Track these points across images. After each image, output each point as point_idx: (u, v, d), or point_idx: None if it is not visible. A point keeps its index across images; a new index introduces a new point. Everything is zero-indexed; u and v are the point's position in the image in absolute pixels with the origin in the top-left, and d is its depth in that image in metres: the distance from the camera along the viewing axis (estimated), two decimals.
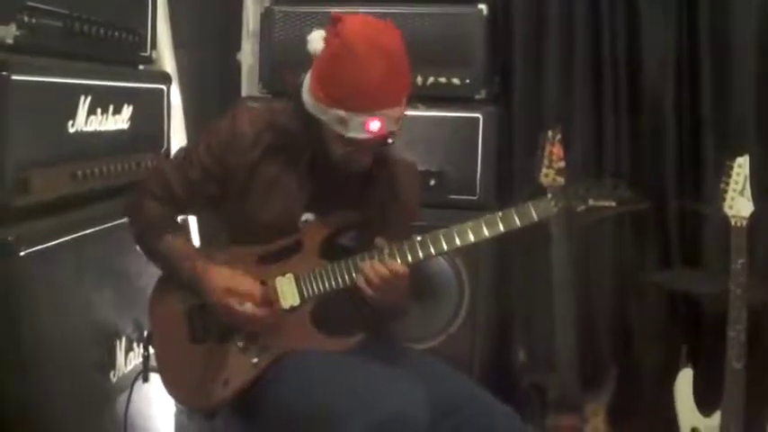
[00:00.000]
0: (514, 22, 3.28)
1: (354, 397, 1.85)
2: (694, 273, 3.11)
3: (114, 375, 2.47)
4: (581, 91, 3.23)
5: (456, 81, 2.99)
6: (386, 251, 2.00)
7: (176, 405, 2.63)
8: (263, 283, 2.06)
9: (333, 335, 2.05)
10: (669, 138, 3.15)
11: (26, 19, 2.10)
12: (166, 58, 3.13)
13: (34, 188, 2.12)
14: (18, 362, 2.05)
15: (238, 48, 3.49)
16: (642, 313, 3.22)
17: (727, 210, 2.59)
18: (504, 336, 3.31)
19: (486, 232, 2.00)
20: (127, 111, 2.54)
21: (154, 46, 2.75)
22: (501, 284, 3.21)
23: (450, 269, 2.91)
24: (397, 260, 1.98)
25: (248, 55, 3.44)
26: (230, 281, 2.03)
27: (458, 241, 2.00)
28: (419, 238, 2.01)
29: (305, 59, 2.04)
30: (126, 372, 2.50)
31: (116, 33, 2.47)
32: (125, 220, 2.24)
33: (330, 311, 2.05)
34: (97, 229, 2.34)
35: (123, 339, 2.50)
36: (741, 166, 2.59)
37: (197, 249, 2.18)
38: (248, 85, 3.44)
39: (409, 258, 2.00)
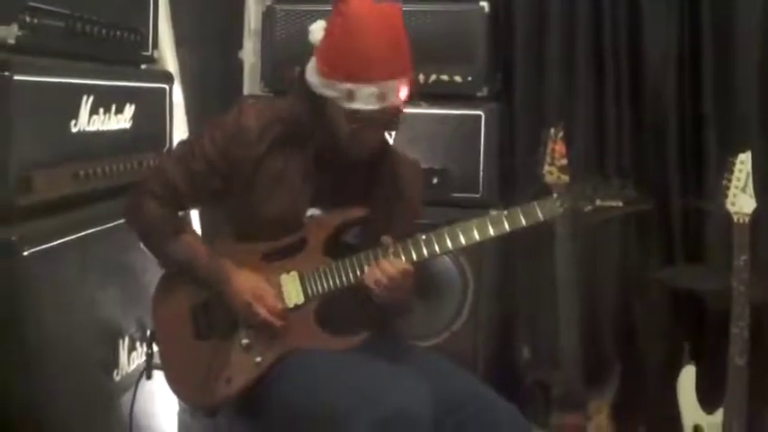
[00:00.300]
0: (516, 19, 3.28)
1: (358, 394, 1.85)
2: (697, 270, 3.11)
3: (118, 374, 2.47)
4: (583, 88, 3.23)
5: (458, 78, 2.99)
6: (390, 249, 2.00)
7: (180, 404, 2.64)
8: (267, 280, 2.06)
9: (337, 333, 2.04)
10: (671, 134, 3.15)
11: (28, 19, 2.10)
12: (168, 58, 3.13)
13: (37, 188, 2.12)
14: (22, 361, 2.05)
15: (240, 46, 3.49)
16: (645, 310, 3.22)
17: (729, 206, 2.59)
18: (508, 333, 3.31)
19: (491, 231, 2.00)
20: (129, 110, 2.54)
21: (156, 45, 2.75)
22: (505, 282, 3.21)
23: (454, 267, 2.91)
24: (401, 258, 1.99)
25: (250, 53, 3.45)
26: (257, 284, 2.04)
27: (463, 240, 2.01)
28: (424, 237, 2.01)
29: (307, 57, 2.05)
30: (129, 371, 2.50)
31: (118, 33, 2.47)
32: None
33: (334, 310, 2.05)
34: (100, 228, 2.34)
35: (127, 338, 2.51)
36: (743, 163, 2.59)
37: (207, 245, 2.17)
38: (250, 83, 3.44)
39: (414, 256, 2.00)
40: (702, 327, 3.12)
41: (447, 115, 2.99)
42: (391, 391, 1.85)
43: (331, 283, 2.04)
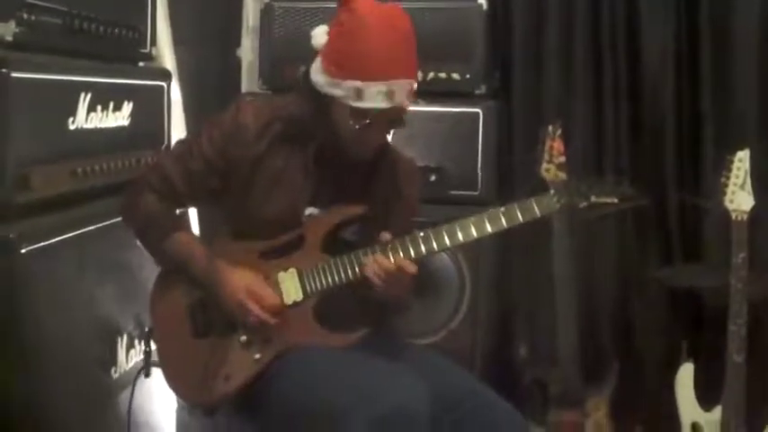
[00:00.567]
0: (514, 16, 3.28)
1: (356, 392, 1.85)
2: (695, 267, 3.11)
3: (116, 372, 2.47)
4: (581, 85, 3.23)
5: (456, 76, 2.99)
6: (389, 246, 2.00)
7: (178, 401, 2.64)
8: (265, 278, 2.06)
9: (335, 330, 2.05)
10: (669, 132, 3.15)
11: (26, 16, 2.10)
12: (166, 55, 3.13)
13: (35, 185, 2.12)
14: (20, 359, 2.05)
15: (238, 44, 3.49)
16: (643, 308, 3.22)
17: (727, 204, 2.59)
18: (506, 331, 3.31)
19: (488, 228, 2.00)
20: (127, 108, 2.54)
21: (154, 43, 2.75)
22: (502, 279, 3.21)
23: (451, 264, 2.91)
24: (399, 255, 1.99)
25: (248, 51, 3.44)
26: (251, 282, 2.03)
27: (460, 236, 2.01)
28: (422, 234, 2.01)
29: (305, 55, 2.05)
30: (127, 368, 2.50)
31: (116, 30, 2.47)
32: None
33: (333, 307, 2.05)
34: (98, 225, 2.33)
35: (125, 336, 2.50)
36: (742, 160, 2.59)
37: (204, 245, 2.17)
38: (248, 81, 3.44)
39: (412, 253, 2.00)
40: (700, 324, 3.12)
41: (445, 113, 2.99)
42: (389, 389, 1.85)
43: (329, 279, 2.04)
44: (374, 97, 1.93)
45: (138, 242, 2.20)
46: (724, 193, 2.60)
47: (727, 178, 2.60)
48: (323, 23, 2.03)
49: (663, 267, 3.16)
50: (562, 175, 2.70)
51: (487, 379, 2.13)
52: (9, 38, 2.06)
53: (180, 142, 2.25)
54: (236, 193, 2.09)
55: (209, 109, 2.85)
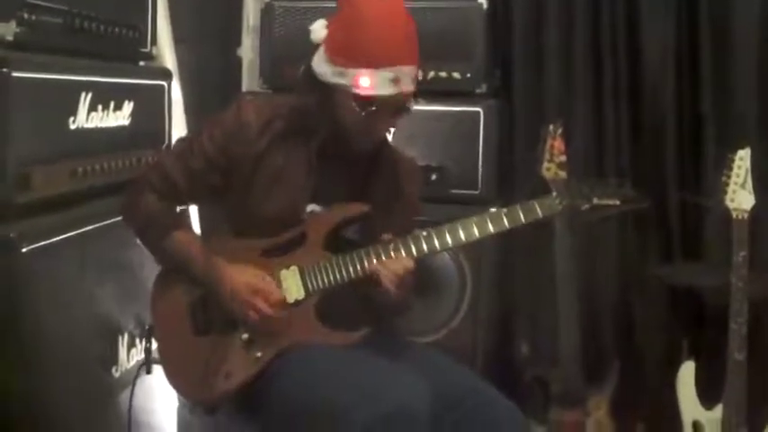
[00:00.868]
0: (514, 15, 3.28)
1: (358, 390, 1.85)
2: (696, 266, 3.11)
3: (117, 371, 2.47)
4: (582, 84, 3.23)
5: (456, 75, 2.99)
6: (391, 245, 2.00)
7: (179, 400, 2.64)
8: (266, 276, 2.05)
9: (337, 329, 2.04)
10: (670, 130, 3.15)
11: (26, 16, 2.10)
12: (167, 54, 3.13)
13: (35, 185, 2.12)
14: (20, 358, 2.05)
15: (239, 43, 3.49)
16: (644, 306, 3.22)
17: (728, 203, 2.59)
18: (507, 329, 3.31)
19: (490, 228, 2.01)
20: (128, 107, 2.54)
21: (154, 42, 2.75)
22: (503, 278, 3.21)
23: (452, 263, 2.91)
24: (401, 254, 1.99)
25: (249, 50, 3.44)
26: (252, 278, 2.03)
27: (462, 236, 2.01)
28: (424, 233, 2.02)
29: (305, 55, 2.05)
30: (128, 367, 2.50)
31: (116, 30, 2.47)
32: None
33: (335, 305, 2.05)
34: (98, 225, 2.34)
35: (125, 334, 2.51)
36: (742, 159, 2.59)
37: (203, 244, 2.16)
38: (249, 80, 3.44)
39: (414, 252, 2.00)
40: (701, 323, 3.12)
41: (445, 112, 2.99)
42: (391, 388, 1.85)
43: (331, 277, 2.03)
44: (381, 83, 1.93)
45: (139, 241, 2.20)
46: (725, 192, 2.60)
47: (728, 177, 2.60)
48: None
49: (664, 266, 3.17)
50: (562, 174, 2.71)
51: (488, 378, 2.13)
52: (10, 37, 2.07)
53: (181, 140, 2.25)
54: (237, 190, 2.09)
55: (209, 108, 2.86)
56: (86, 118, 2.34)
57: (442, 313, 2.93)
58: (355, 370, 1.93)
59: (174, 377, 2.11)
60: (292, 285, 2.05)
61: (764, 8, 3.03)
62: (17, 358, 2.05)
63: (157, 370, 2.22)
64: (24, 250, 2.04)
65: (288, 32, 3.08)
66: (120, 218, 2.24)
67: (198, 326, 2.10)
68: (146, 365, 2.28)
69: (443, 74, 2.99)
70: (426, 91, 2.90)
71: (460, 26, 2.99)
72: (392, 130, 2.20)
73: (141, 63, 2.74)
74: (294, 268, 2.06)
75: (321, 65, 2.00)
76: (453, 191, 2.96)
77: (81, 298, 2.28)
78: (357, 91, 1.94)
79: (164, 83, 2.78)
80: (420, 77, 2.87)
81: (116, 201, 2.27)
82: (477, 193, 2.97)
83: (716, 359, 2.70)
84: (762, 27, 3.03)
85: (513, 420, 1.99)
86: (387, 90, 1.94)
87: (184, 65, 3.24)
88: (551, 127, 2.78)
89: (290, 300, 2.05)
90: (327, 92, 2.00)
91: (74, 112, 2.30)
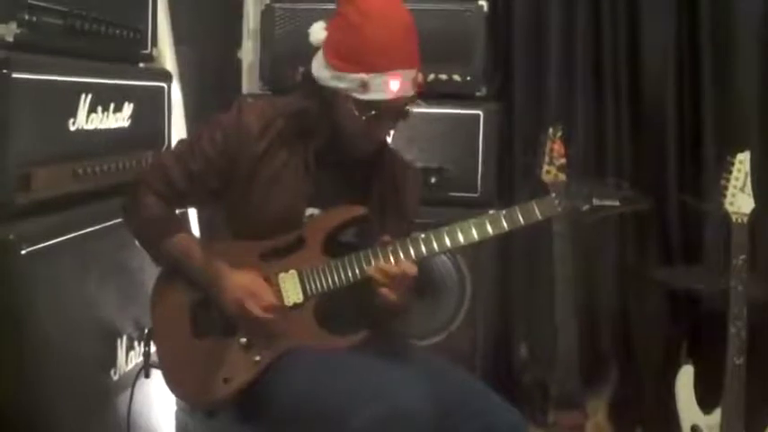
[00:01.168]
0: (515, 18, 3.29)
1: (357, 394, 1.85)
2: (695, 269, 3.11)
3: (116, 373, 2.46)
4: (582, 87, 3.24)
5: (457, 78, 2.99)
6: (389, 248, 2.00)
7: (177, 403, 2.63)
8: (265, 279, 2.05)
9: (336, 332, 2.04)
10: (670, 134, 3.16)
11: (27, 17, 2.10)
12: (167, 56, 3.13)
13: (35, 186, 2.12)
14: (19, 360, 2.05)
15: (239, 45, 3.49)
16: (643, 310, 3.22)
17: (728, 206, 2.59)
18: (506, 332, 3.31)
19: (489, 230, 2.01)
20: (128, 108, 2.54)
21: (154, 43, 2.75)
22: (502, 281, 3.21)
23: (451, 266, 2.91)
24: (400, 256, 1.99)
25: (249, 52, 3.45)
26: (250, 282, 2.02)
27: (461, 239, 2.01)
28: (423, 236, 2.01)
29: (305, 56, 2.05)
30: (127, 370, 2.50)
31: (117, 31, 2.47)
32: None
33: (334, 309, 2.05)
34: (98, 227, 2.33)
35: (124, 337, 2.50)
36: (742, 163, 2.59)
37: (203, 246, 2.16)
38: (249, 82, 3.44)
39: (413, 255, 2.00)
40: (700, 326, 3.12)
41: (445, 114, 2.99)
42: (390, 391, 1.85)
43: (330, 281, 2.03)
44: (380, 88, 1.93)
45: (137, 243, 2.19)
46: (724, 196, 2.60)
47: (728, 180, 2.60)
48: None
49: (663, 269, 3.17)
50: (562, 177, 2.71)
51: (488, 380, 2.13)
52: (10, 39, 2.06)
53: (181, 142, 2.24)
54: (236, 193, 2.09)
55: (209, 110, 2.84)
56: (86, 119, 2.34)
57: (441, 316, 2.93)
58: (354, 373, 1.92)
59: (172, 381, 2.11)
60: (291, 289, 2.05)
61: (766, 9, 3.03)
62: (15, 360, 2.04)
63: (156, 374, 2.21)
64: (24, 252, 2.04)
65: (288, 34, 3.08)
66: (119, 220, 2.23)
67: (197, 329, 2.09)
68: (144, 370, 2.27)
69: (443, 76, 2.99)
70: (426, 93, 2.91)
71: (461, 29, 2.99)
72: (392, 132, 2.19)
73: (141, 65, 2.74)
74: (293, 272, 2.05)
75: (320, 68, 1.99)
76: (453, 193, 2.96)
77: (80, 300, 2.28)
78: (357, 95, 1.94)
79: (164, 84, 2.78)
80: (420, 80, 2.92)
81: (116, 202, 2.26)
82: (476, 195, 2.97)
83: (715, 363, 2.70)
84: (763, 29, 3.03)
85: (513, 424, 1.99)
86: (387, 95, 1.93)
87: (185, 66, 3.23)
88: (551, 130, 2.79)
89: (289, 303, 2.04)
90: (327, 95, 1.99)
91: (74, 113, 2.29)
